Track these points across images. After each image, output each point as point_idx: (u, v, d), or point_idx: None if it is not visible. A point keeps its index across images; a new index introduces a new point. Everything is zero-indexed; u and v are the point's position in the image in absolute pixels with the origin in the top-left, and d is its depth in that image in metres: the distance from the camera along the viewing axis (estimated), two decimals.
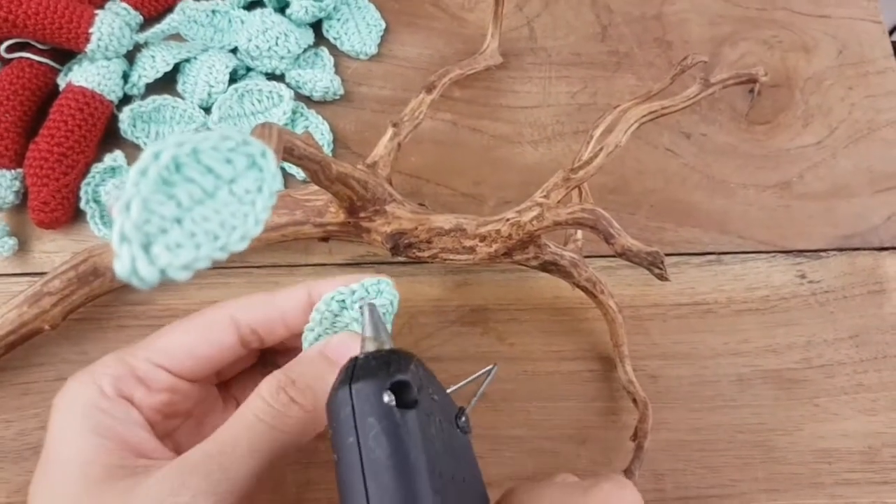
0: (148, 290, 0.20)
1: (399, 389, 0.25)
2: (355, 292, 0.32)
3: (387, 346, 0.28)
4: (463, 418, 0.27)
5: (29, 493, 0.28)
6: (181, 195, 0.20)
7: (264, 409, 0.28)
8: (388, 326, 0.31)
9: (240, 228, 0.21)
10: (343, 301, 0.32)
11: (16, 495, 0.39)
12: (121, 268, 0.19)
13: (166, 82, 0.47)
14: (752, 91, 0.52)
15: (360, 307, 0.30)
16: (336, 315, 0.32)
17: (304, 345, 0.32)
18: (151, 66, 0.46)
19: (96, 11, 0.44)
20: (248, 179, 0.22)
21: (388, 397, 0.24)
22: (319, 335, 0.32)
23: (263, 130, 0.26)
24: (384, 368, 0.25)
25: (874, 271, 0.49)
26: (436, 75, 0.45)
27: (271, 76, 0.49)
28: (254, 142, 0.22)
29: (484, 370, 0.29)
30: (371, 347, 0.28)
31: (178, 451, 0.32)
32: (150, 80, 0.46)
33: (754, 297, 0.47)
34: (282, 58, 0.47)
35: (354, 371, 0.25)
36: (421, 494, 0.23)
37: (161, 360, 0.30)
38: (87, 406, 0.28)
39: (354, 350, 0.29)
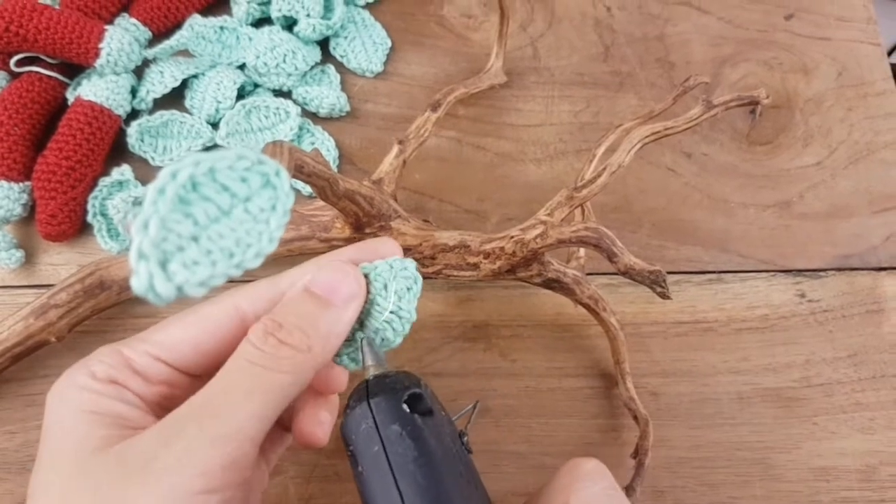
0: (163, 305, 0.20)
1: (413, 402, 0.26)
2: (378, 267, 0.30)
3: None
4: (465, 438, 0.28)
5: (27, 493, 0.27)
6: (198, 213, 0.21)
7: (254, 353, 0.26)
8: (412, 308, 0.30)
9: (255, 246, 0.21)
10: (367, 276, 0.30)
11: None
12: (138, 284, 0.20)
13: (174, 98, 0.47)
14: (753, 112, 0.53)
15: (361, 342, 0.29)
16: None
17: None
18: (160, 81, 0.46)
19: (106, 27, 0.44)
20: (262, 198, 0.22)
21: (406, 408, 0.26)
22: None
23: (275, 149, 0.27)
24: (397, 383, 0.27)
25: (873, 291, 0.49)
26: (441, 93, 0.45)
27: (278, 93, 0.49)
28: (268, 161, 0.22)
29: (467, 408, 0.30)
30: (375, 373, 0.28)
31: None
32: (158, 96, 0.46)
33: (754, 316, 0.48)
34: (289, 75, 0.48)
35: (368, 390, 0.26)
36: (451, 489, 0.24)
37: (160, 353, 0.29)
38: (79, 390, 0.27)
39: (343, 282, 0.28)
